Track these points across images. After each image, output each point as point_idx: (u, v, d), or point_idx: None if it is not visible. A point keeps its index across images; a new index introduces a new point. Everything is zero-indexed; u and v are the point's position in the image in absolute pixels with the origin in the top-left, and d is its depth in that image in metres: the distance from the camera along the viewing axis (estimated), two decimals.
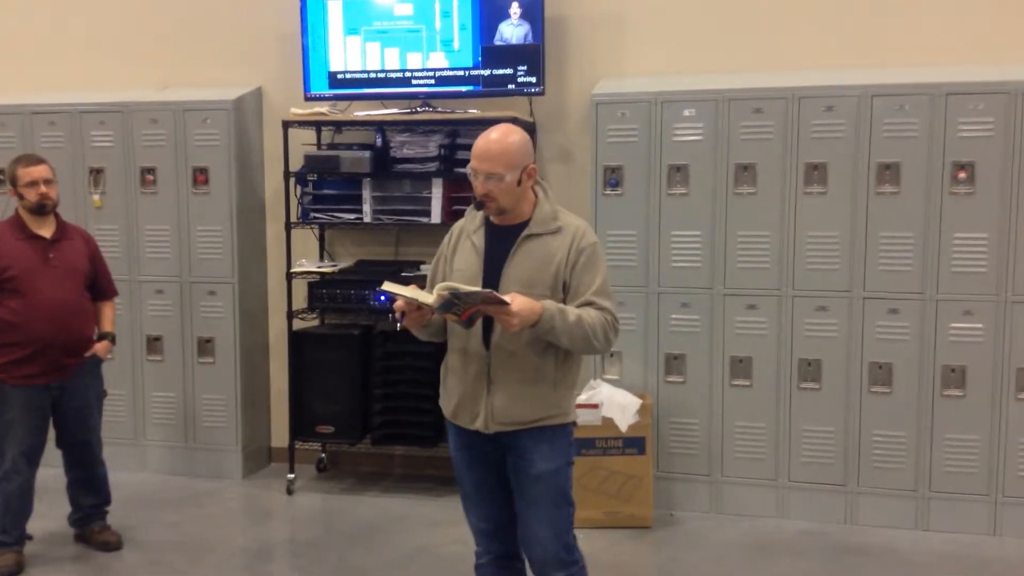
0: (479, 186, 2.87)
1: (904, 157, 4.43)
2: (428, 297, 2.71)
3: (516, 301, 2.70)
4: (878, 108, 4.44)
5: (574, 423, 3.03)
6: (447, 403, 3.05)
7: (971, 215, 4.39)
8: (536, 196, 2.96)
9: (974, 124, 4.35)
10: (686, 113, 4.64)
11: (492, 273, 2.89)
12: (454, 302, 2.70)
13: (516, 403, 2.88)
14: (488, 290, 2.73)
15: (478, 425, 2.92)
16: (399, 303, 2.82)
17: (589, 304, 2.85)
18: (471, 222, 3.02)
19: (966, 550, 4.33)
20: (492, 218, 2.95)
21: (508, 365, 2.87)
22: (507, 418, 2.89)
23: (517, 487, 2.96)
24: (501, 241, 2.92)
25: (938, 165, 4.40)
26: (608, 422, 4.53)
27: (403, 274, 5.03)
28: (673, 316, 4.74)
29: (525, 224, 2.92)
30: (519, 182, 2.87)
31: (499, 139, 2.87)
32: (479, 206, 2.92)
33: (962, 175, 4.38)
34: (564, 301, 2.87)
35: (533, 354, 2.87)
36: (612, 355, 4.77)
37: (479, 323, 2.84)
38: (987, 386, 4.43)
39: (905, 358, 4.50)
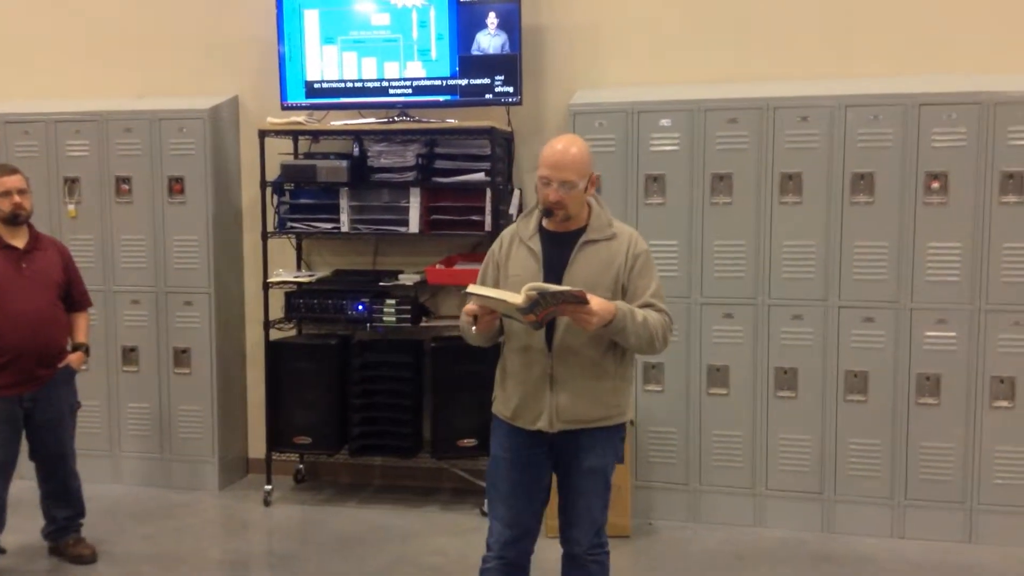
0: (551, 194, 2.95)
1: (878, 167, 4.47)
2: (516, 297, 2.77)
3: (593, 301, 2.80)
4: (852, 118, 4.48)
5: (631, 421, 3.16)
6: (506, 405, 3.10)
7: (944, 225, 4.43)
8: (590, 204, 3.06)
9: (947, 134, 4.40)
10: (662, 123, 4.67)
11: (553, 277, 2.97)
12: (539, 301, 2.77)
13: (580, 401, 2.98)
14: (577, 288, 2.80)
15: (541, 424, 3.00)
16: (471, 308, 2.92)
17: (649, 306, 2.98)
18: (524, 228, 3.09)
19: (942, 557, 4.36)
20: (547, 224, 3.04)
21: (571, 364, 2.97)
22: (571, 416, 2.99)
23: (566, 477, 3.07)
24: (558, 247, 3.02)
25: (911, 175, 4.44)
26: None
27: (381, 284, 5.04)
28: None
29: (580, 230, 3.03)
30: (585, 189, 2.99)
31: (568, 147, 2.98)
32: (548, 213, 2.99)
33: (935, 185, 4.42)
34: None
35: (594, 353, 2.98)
36: None
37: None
38: (961, 394, 4.47)
39: (880, 366, 4.53)
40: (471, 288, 2.92)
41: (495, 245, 3.16)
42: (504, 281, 3.05)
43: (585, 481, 3.06)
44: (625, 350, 3.04)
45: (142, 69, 5.55)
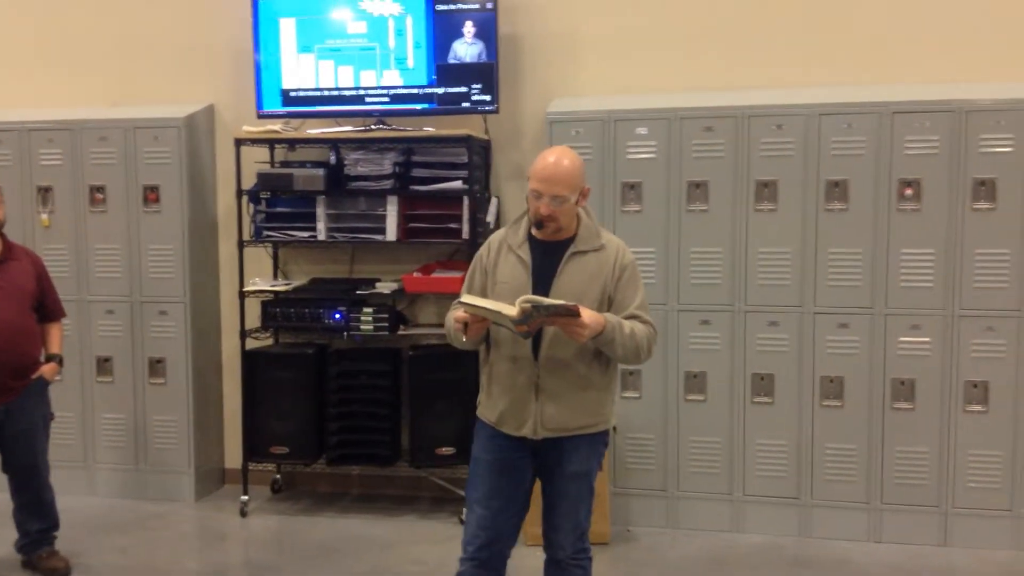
0: (542, 207, 2.98)
1: (852, 174, 4.51)
2: (511, 309, 2.81)
3: (584, 314, 2.84)
4: (826, 127, 4.52)
5: (614, 428, 3.18)
6: (491, 410, 3.13)
7: (918, 231, 4.47)
8: (579, 214, 3.08)
9: (920, 142, 4.44)
10: (639, 131, 4.69)
11: (541, 287, 3.01)
12: (532, 313, 2.81)
13: (565, 410, 3.03)
14: (571, 303, 2.84)
15: (525, 431, 3.04)
16: (461, 315, 2.96)
17: (634, 317, 3.02)
18: (513, 236, 3.12)
19: (917, 561, 4.39)
20: (537, 233, 3.06)
21: (557, 374, 3.01)
22: (556, 424, 3.03)
23: (549, 482, 3.11)
24: (547, 256, 3.05)
25: (885, 182, 4.48)
26: None
27: (358, 292, 5.02)
28: None
29: (569, 240, 3.06)
30: (576, 202, 3.02)
31: (560, 160, 3.00)
32: (539, 226, 3.02)
33: (909, 192, 4.46)
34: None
35: (580, 363, 3.02)
36: None
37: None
38: (936, 399, 4.51)
39: (855, 372, 4.57)
40: (465, 298, 2.95)
41: (483, 250, 3.18)
42: (492, 287, 3.08)
43: (569, 485, 3.08)
44: (610, 360, 3.08)
45: (116, 77, 5.52)
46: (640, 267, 4.58)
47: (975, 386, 4.47)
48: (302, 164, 5.11)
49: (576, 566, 3.15)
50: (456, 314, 3.01)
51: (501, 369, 3.08)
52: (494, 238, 3.18)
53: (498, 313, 2.84)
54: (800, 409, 4.63)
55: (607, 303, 3.03)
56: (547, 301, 2.83)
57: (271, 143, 5.19)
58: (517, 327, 2.84)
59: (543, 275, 3.02)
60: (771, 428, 4.67)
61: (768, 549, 4.56)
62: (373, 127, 5.01)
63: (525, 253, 3.06)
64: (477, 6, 4.83)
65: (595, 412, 3.08)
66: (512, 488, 3.11)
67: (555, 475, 3.09)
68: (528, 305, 2.79)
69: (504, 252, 3.11)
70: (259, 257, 5.32)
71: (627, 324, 2.97)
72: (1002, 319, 4.43)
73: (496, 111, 4.92)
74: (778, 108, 4.57)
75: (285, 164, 5.23)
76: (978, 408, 4.48)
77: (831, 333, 4.57)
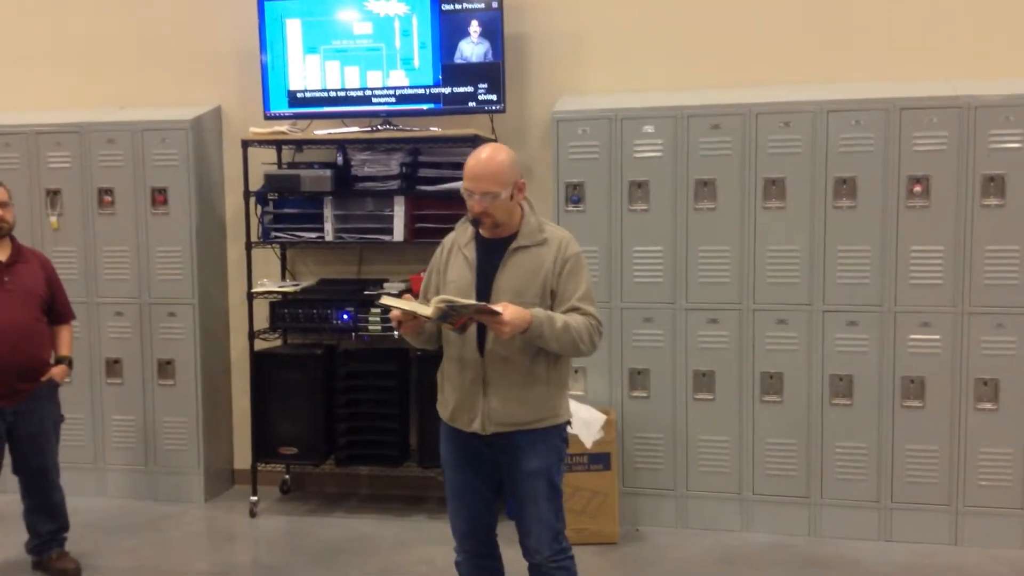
0: (475, 205, 3.03)
1: (860, 171, 4.49)
2: (426, 309, 2.89)
3: (507, 310, 2.87)
4: (834, 123, 4.50)
5: (568, 422, 3.19)
6: (444, 408, 3.19)
7: (927, 228, 4.45)
8: (522, 210, 3.12)
9: (928, 138, 4.42)
10: (646, 130, 4.68)
11: (484, 283, 3.06)
12: (450, 313, 2.88)
13: (512, 405, 3.04)
14: (481, 303, 2.92)
15: (475, 427, 3.07)
16: (395, 313, 3.00)
17: (574, 309, 3.03)
18: (462, 235, 3.18)
19: (928, 560, 4.37)
20: (482, 231, 3.10)
21: (502, 369, 3.04)
22: (503, 419, 3.05)
23: (511, 483, 3.13)
24: (491, 253, 3.09)
25: (894, 179, 4.46)
26: (573, 438, 4.52)
27: (366, 292, 5.02)
28: (636, 331, 4.75)
29: (513, 237, 3.10)
30: (511, 197, 3.04)
31: (489, 159, 3.04)
32: (475, 223, 3.07)
33: (917, 188, 4.44)
34: (552, 307, 3.04)
35: (525, 358, 3.03)
36: (576, 371, 4.78)
37: (474, 331, 3.03)
38: (946, 397, 4.49)
39: (865, 370, 4.55)
40: (384, 299, 3.01)
41: (436, 252, 3.24)
42: (443, 287, 3.13)
43: (529, 485, 3.09)
44: (558, 355, 3.09)
45: (124, 80, 5.53)
46: (647, 266, 4.69)
47: (985, 384, 4.45)
48: (309, 165, 5.11)
49: (558, 568, 3.14)
50: (391, 312, 3.03)
51: (451, 367, 3.14)
52: (447, 239, 3.24)
53: (415, 312, 2.91)
54: (809, 408, 4.61)
55: (549, 296, 3.05)
56: (462, 301, 2.87)
57: (278, 144, 5.20)
58: (443, 325, 2.93)
59: (486, 272, 3.07)
60: (780, 427, 4.65)
61: (778, 548, 4.54)
62: (379, 128, 5.02)
63: (470, 252, 3.12)
64: (483, 5, 4.83)
65: (543, 407, 3.08)
66: (477, 481, 3.16)
67: (515, 475, 3.11)
68: (443, 305, 2.85)
69: (454, 252, 3.17)
70: (267, 258, 5.33)
71: (560, 318, 2.97)
72: (1012, 316, 4.41)
73: (502, 110, 4.91)
74: (785, 105, 4.55)
75: (292, 165, 5.23)
76: (989, 406, 4.45)
77: (840, 331, 4.55)
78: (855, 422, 4.57)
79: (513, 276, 3.05)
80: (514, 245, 3.08)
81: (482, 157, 3.04)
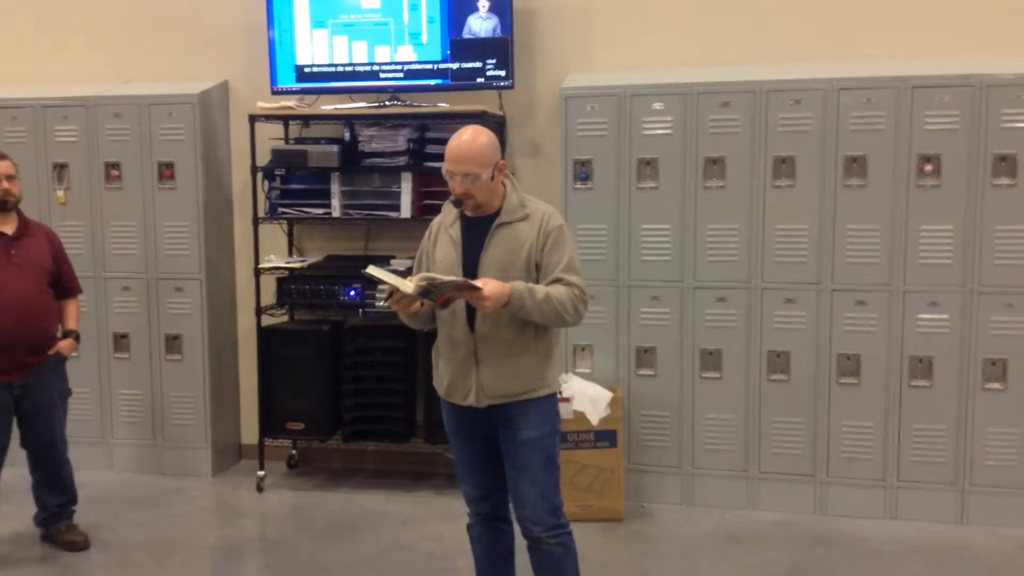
0: (457, 187, 3.09)
1: (871, 150, 4.46)
2: (407, 285, 2.95)
3: (487, 285, 2.94)
4: (845, 101, 4.47)
5: (559, 393, 3.27)
6: (440, 383, 3.26)
7: (937, 207, 4.43)
8: (504, 188, 3.18)
9: (940, 117, 4.39)
10: (655, 107, 4.65)
11: (470, 261, 3.13)
12: (430, 289, 2.95)
13: (503, 377, 3.11)
14: (461, 278, 2.98)
15: (470, 400, 3.14)
16: (386, 289, 3.06)
17: (558, 280, 3.09)
18: (447, 216, 3.24)
19: (934, 538, 4.38)
20: (465, 211, 3.17)
21: (491, 343, 3.10)
22: (496, 391, 3.11)
23: (507, 454, 3.18)
24: (476, 232, 3.15)
25: (904, 158, 4.43)
26: (579, 416, 4.54)
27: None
28: (643, 309, 4.75)
29: (496, 214, 3.16)
30: (492, 178, 3.10)
31: (470, 141, 3.10)
32: (457, 204, 3.13)
33: (928, 167, 4.42)
34: (538, 280, 3.10)
35: (511, 331, 3.09)
36: (583, 349, 4.78)
37: (463, 309, 3.10)
38: (954, 376, 4.48)
39: (873, 349, 4.54)
40: (370, 269, 3.06)
41: (425, 235, 3.30)
42: (431, 267, 3.19)
43: (524, 455, 3.13)
44: (546, 327, 3.15)
45: (130, 54, 5.51)
46: (656, 244, 4.68)
47: (993, 364, 4.44)
48: (316, 141, 5.09)
49: (557, 544, 3.17)
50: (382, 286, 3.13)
51: (444, 344, 3.21)
52: (434, 222, 3.30)
53: (395, 287, 2.97)
54: (816, 387, 4.61)
55: (535, 269, 3.11)
56: (442, 279, 2.93)
57: (285, 119, 5.17)
58: (427, 301, 3.01)
59: (472, 250, 3.13)
60: (787, 405, 4.65)
61: (783, 526, 4.55)
62: (387, 103, 4.99)
63: (456, 232, 3.18)
64: None
65: (534, 377, 3.14)
66: (480, 451, 3.23)
67: (511, 446, 3.16)
68: (424, 283, 2.92)
69: (440, 233, 3.23)
70: (274, 234, 5.32)
71: (541, 290, 3.02)
72: (1021, 296, 4.39)
73: (511, 87, 4.89)
74: (796, 83, 4.52)
75: (299, 141, 5.21)
76: (996, 386, 4.45)
77: (848, 310, 4.54)
78: (862, 401, 4.57)
79: (498, 252, 3.11)
80: (497, 222, 3.13)
81: (463, 139, 3.10)
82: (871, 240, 4.50)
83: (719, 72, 4.68)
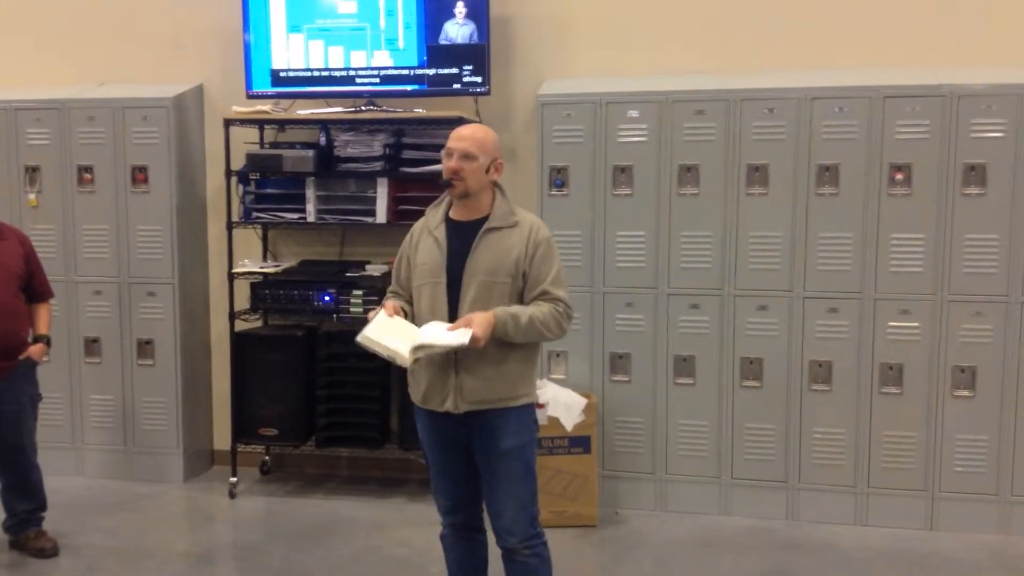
0: (452, 163, 3.10)
1: (843, 159, 4.51)
2: (405, 360, 3.01)
3: (473, 324, 2.96)
4: (818, 111, 4.51)
5: (536, 402, 3.26)
6: (416, 390, 3.21)
7: (908, 216, 4.48)
8: (494, 195, 3.19)
9: (911, 126, 4.44)
10: (630, 114, 4.67)
11: (455, 264, 3.11)
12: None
13: (482, 383, 3.08)
14: (456, 341, 2.93)
15: (448, 407, 3.10)
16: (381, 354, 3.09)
17: (545, 293, 3.10)
18: (432, 218, 3.23)
19: (904, 544, 4.42)
20: (452, 214, 3.18)
21: (472, 351, 3.04)
22: (475, 396, 3.08)
23: (485, 463, 3.15)
24: (462, 235, 3.14)
25: (876, 167, 4.48)
26: (554, 421, 4.55)
27: (348, 274, 5.01)
28: (618, 316, 4.76)
29: (484, 219, 3.15)
30: (487, 170, 3.13)
31: (476, 127, 3.23)
32: (446, 184, 3.12)
33: (899, 176, 4.46)
34: (523, 289, 3.12)
35: (494, 341, 3.05)
36: (558, 355, 4.79)
37: (444, 315, 3.09)
38: (924, 383, 4.52)
39: (844, 356, 4.58)
40: (361, 339, 3.05)
41: (405, 239, 3.29)
42: (413, 270, 3.20)
43: (503, 464, 3.12)
44: None
45: (105, 56, 5.47)
46: (630, 251, 4.70)
47: (963, 371, 4.49)
48: (292, 145, 5.08)
49: (533, 555, 3.16)
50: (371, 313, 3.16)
51: None
52: (416, 225, 3.29)
53: (394, 360, 3.04)
54: (788, 393, 4.64)
55: (521, 278, 3.11)
56: (437, 346, 2.96)
57: (261, 124, 5.16)
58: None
59: (457, 253, 3.12)
60: (759, 412, 4.68)
61: (755, 532, 4.57)
62: (363, 108, 4.99)
63: (441, 234, 3.16)
64: None
65: (515, 384, 3.12)
66: (454, 462, 3.20)
67: (490, 455, 3.13)
68: (421, 353, 2.99)
69: (423, 235, 3.22)
70: (248, 238, 5.30)
71: (524, 315, 3.03)
72: (990, 304, 4.45)
73: (487, 93, 4.90)
74: (770, 92, 4.56)
75: (275, 145, 5.20)
76: (965, 393, 4.50)
77: (820, 318, 4.58)
78: (834, 408, 4.61)
79: (486, 256, 3.10)
80: (486, 226, 3.13)
81: (471, 125, 3.24)
82: (843, 248, 4.54)
83: (694, 81, 4.71)
